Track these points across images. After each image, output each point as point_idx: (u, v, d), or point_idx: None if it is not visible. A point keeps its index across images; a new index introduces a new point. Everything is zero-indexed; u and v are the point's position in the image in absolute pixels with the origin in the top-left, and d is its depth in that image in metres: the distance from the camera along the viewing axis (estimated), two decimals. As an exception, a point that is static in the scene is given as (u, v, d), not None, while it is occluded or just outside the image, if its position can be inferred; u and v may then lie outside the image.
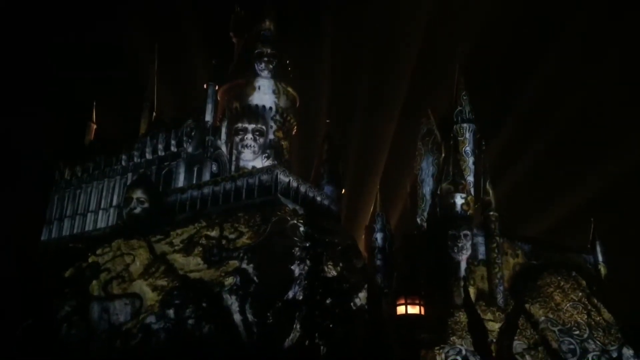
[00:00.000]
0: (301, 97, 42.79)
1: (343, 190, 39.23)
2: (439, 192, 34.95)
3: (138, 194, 34.08)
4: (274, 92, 40.27)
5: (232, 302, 27.31)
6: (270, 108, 39.63)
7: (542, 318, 31.02)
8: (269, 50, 40.28)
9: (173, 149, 36.89)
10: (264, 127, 38.66)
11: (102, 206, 38.49)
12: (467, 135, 37.01)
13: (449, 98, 39.14)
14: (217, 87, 39.40)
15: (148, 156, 37.75)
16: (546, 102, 67.06)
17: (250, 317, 26.94)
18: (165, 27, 58.48)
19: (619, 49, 68.63)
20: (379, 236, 37.40)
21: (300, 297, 27.84)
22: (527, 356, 29.30)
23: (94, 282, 30.64)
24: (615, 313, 31.99)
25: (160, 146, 37.47)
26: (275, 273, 28.38)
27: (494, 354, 27.90)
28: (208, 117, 37.47)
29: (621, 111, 69.90)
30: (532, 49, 75.23)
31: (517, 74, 71.15)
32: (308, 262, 28.91)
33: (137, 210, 33.68)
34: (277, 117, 39.78)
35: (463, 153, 36.47)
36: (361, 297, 30.39)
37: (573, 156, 73.57)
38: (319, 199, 35.31)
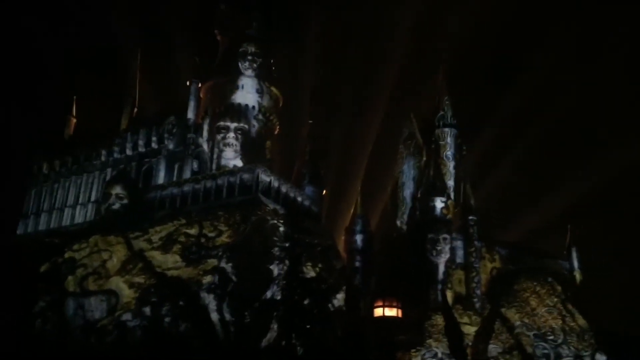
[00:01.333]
0: (284, 97, 42.73)
1: (324, 191, 39.28)
2: (419, 195, 35.18)
3: (117, 189, 33.79)
4: (257, 91, 40.12)
5: (210, 300, 27.18)
6: (253, 107, 39.47)
7: (518, 322, 31.36)
8: (253, 49, 40.11)
9: (154, 145, 36.67)
10: (246, 126, 38.52)
11: (80, 201, 38.07)
12: (449, 139, 37.34)
13: (431, 102, 39.44)
14: (200, 85, 39.19)
15: (128, 152, 37.48)
16: (527, 109, 67.82)
17: (227, 316, 26.84)
18: (149, 23, 57.98)
19: (600, 57, 69.74)
20: (358, 238, 37.47)
21: (279, 297, 27.81)
22: (501, 360, 29.59)
23: (70, 277, 30.29)
24: (590, 319, 32.42)
25: (141, 142, 37.21)
26: (253, 272, 28.33)
27: (469, 357, 28.14)
28: (190, 115, 37.26)
29: (599, 120, 70.97)
30: (515, 55, 76.02)
31: (499, 80, 71.85)
32: (287, 262, 28.89)
33: (116, 206, 33.39)
34: (260, 116, 39.64)
35: (444, 157, 36.77)
36: (339, 298, 30.44)
37: (553, 163, 74.52)
38: (299, 199, 35.29)
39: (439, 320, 30.28)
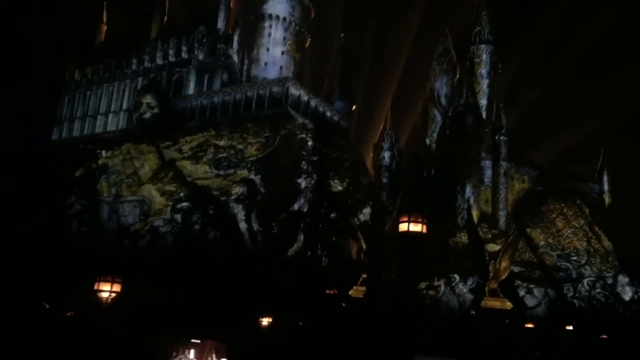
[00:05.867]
0: (316, 8, 41.63)
1: (354, 107, 38.94)
2: (450, 113, 34.58)
3: (148, 99, 34.07)
4: (288, 1, 39.17)
5: (239, 210, 27.85)
6: (285, 18, 38.67)
7: (542, 242, 31.47)
8: (285, -43, 38.85)
9: (184, 55, 36.47)
10: (277, 38, 37.97)
11: (112, 109, 38.58)
12: (484, 57, 36.11)
13: (469, 17, 37.94)
14: (230, -7, 38.37)
15: (159, 61, 37.40)
16: (565, 28, 65.15)
17: (255, 226, 27.54)
18: None
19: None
20: (386, 154, 37.32)
21: (305, 210, 28.32)
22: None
23: (104, 183, 31.25)
24: (616, 242, 32.36)
25: (171, 51, 37.03)
26: (281, 185, 28.78)
27: (491, 274, 28.50)
28: (220, 25, 36.75)
29: (636, 41, 67.99)
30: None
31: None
32: (315, 175, 29.19)
33: (147, 115, 33.78)
34: (291, 28, 38.91)
35: (478, 75, 35.72)
36: (365, 213, 30.87)
37: (587, 84, 72.32)
38: (329, 114, 35.14)
39: (463, 237, 30.54)
